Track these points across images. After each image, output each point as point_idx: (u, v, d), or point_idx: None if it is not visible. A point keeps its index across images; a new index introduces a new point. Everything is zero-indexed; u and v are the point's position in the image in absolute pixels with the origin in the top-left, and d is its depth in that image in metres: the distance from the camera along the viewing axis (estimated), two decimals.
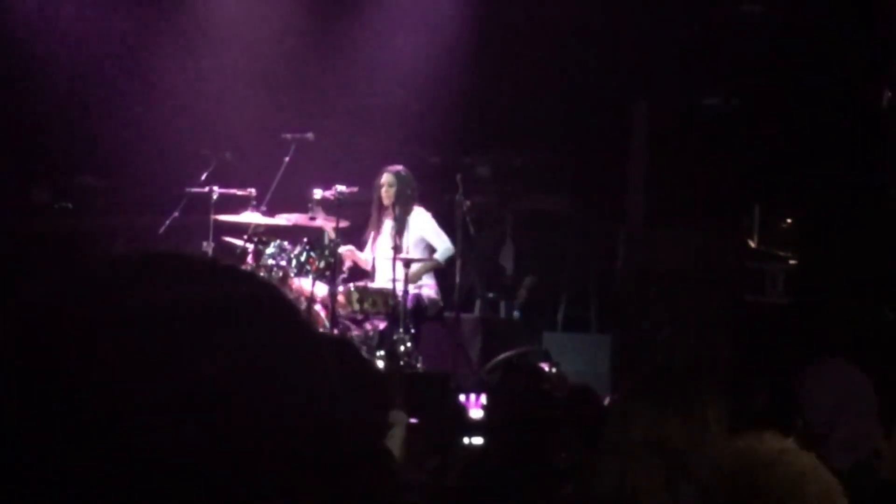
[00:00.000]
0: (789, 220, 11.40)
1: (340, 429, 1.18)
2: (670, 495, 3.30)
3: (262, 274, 10.05)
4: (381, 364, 9.65)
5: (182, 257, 1.21)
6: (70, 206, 12.22)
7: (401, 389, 5.63)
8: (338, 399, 1.19)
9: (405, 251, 10.41)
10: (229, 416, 1.11)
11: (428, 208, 10.80)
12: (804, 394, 4.65)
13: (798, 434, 4.31)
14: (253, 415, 1.12)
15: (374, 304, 10.25)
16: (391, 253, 10.30)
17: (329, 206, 10.38)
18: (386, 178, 10.61)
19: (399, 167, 10.68)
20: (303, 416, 1.15)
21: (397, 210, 10.58)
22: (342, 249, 10.37)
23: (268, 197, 10.46)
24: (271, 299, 1.21)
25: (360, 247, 10.75)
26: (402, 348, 10.00)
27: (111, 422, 1.09)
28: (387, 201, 10.60)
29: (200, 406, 1.10)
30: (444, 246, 10.64)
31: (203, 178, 10.56)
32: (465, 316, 11.34)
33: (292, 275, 10.12)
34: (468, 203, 11.00)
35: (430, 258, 10.55)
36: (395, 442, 4.98)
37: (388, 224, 10.65)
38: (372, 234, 10.77)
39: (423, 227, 10.64)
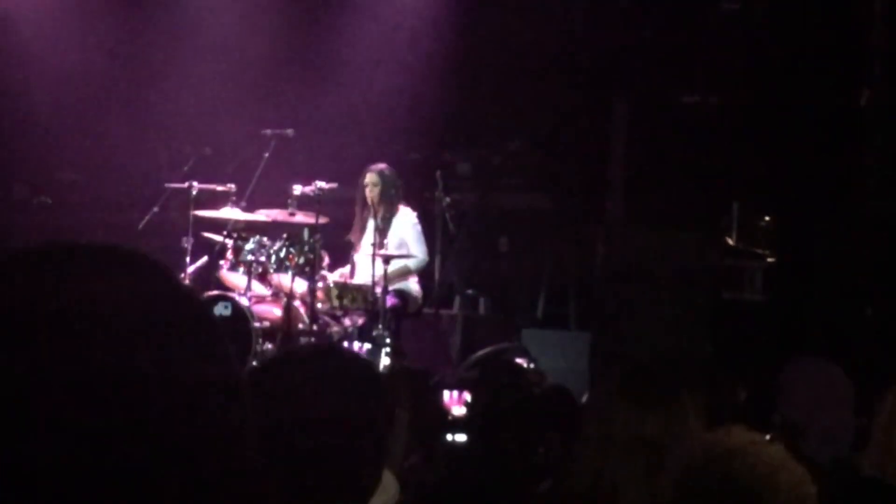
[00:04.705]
0: (768, 218, 11.42)
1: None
2: (649, 491, 3.31)
3: (240, 269, 10.06)
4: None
5: (86, 248, 1.18)
6: (49, 200, 12.20)
7: (406, 388, 5.62)
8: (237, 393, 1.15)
9: (386, 251, 10.37)
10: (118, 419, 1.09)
11: (407, 205, 10.77)
12: (783, 389, 4.68)
13: (777, 429, 4.34)
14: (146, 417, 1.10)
15: (353, 300, 10.23)
16: (371, 250, 10.28)
17: (308, 202, 10.36)
18: (369, 177, 10.55)
19: (382, 165, 10.62)
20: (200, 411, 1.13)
21: (381, 209, 10.53)
22: (335, 277, 10.32)
23: (247, 192, 10.45)
24: (170, 294, 1.18)
25: (346, 245, 10.71)
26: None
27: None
28: (370, 201, 10.56)
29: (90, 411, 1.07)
30: (419, 256, 10.55)
31: (183, 173, 10.54)
32: (444, 312, 11.34)
33: (272, 270, 10.11)
34: (448, 200, 10.98)
35: (405, 263, 10.48)
36: (397, 441, 4.97)
37: (371, 223, 10.62)
38: (357, 234, 10.72)
39: (405, 230, 10.57)
